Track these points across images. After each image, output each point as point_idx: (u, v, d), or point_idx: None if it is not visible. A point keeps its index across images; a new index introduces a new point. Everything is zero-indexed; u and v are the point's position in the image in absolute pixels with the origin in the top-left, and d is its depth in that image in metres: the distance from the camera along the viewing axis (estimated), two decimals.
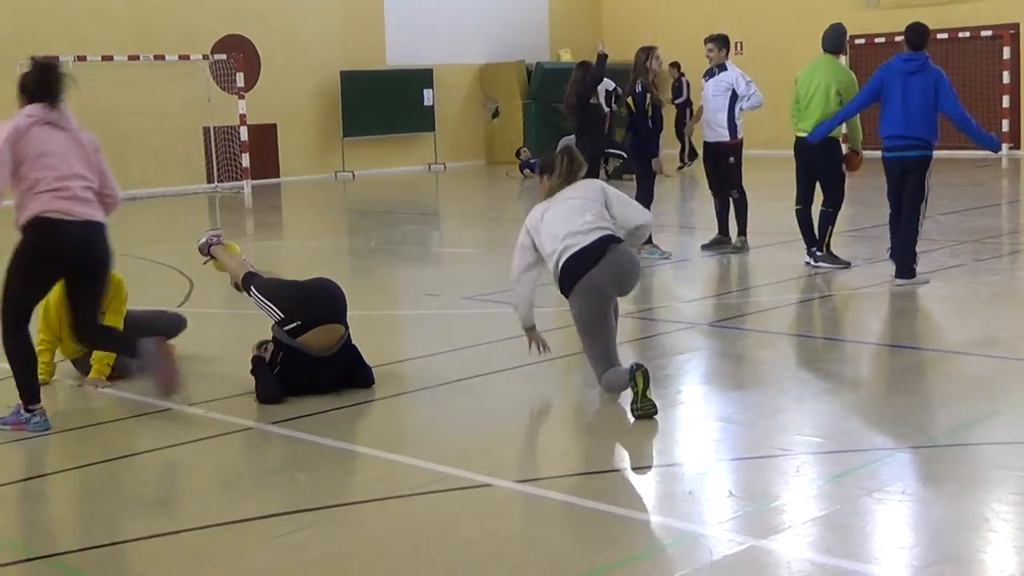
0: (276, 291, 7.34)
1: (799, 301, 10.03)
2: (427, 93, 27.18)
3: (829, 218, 11.05)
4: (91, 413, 7.13)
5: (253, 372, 7.09)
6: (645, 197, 12.04)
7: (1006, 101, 24.15)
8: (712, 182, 12.51)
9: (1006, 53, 24.20)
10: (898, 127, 9.89)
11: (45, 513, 5.36)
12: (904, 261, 10.03)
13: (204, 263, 8.33)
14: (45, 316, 7.51)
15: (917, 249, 10.09)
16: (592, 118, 12.91)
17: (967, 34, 24.09)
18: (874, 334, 8.67)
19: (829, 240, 11.08)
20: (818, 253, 11.05)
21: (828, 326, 9.22)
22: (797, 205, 11.17)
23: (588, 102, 12.55)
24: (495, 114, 28.57)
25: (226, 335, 9.37)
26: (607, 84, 26.01)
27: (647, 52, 12.42)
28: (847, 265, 11.00)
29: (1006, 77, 24.22)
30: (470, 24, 28.07)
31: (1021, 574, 4.22)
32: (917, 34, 10.03)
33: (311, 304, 7.17)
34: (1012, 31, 24.30)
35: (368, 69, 26.30)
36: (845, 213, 11.33)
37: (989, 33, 24.31)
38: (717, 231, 12.50)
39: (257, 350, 7.25)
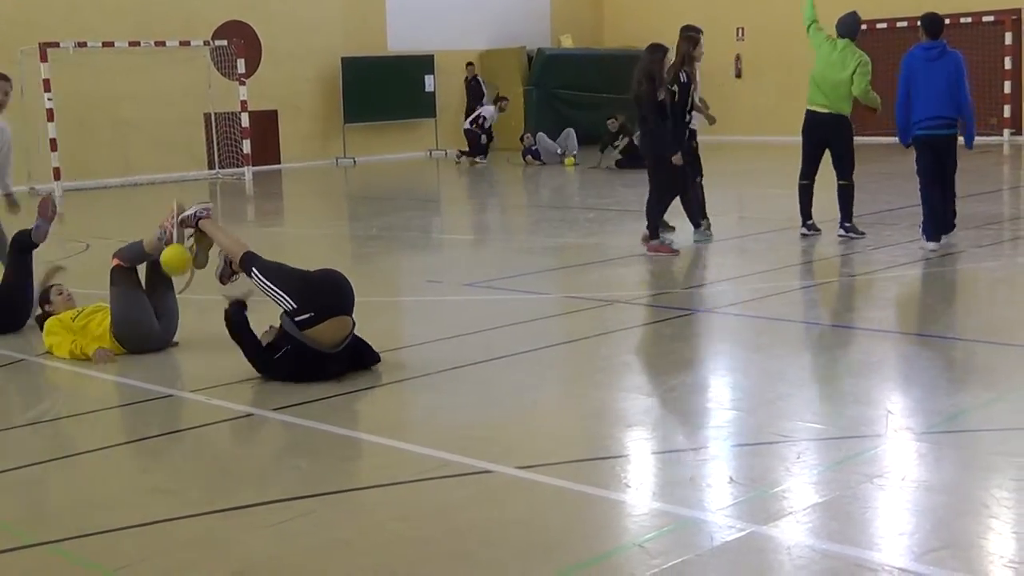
0: (284, 278, 7.10)
1: (798, 287, 10.03)
2: (428, 79, 27.17)
3: (851, 191, 11.78)
4: (90, 400, 7.14)
5: (234, 334, 7.07)
6: (661, 194, 11.69)
7: (1007, 87, 24.12)
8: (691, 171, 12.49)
9: (1008, 39, 24.16)
10: (926, 110, 10.91)
11: (44, 499, 5.37)
12: (947, 219, 11.26)
13: (188, 238, 7.93)
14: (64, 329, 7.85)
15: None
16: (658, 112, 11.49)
17: (968, 20, 24.03)
18: (874, 320, 8.66)
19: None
20: (847, 224, 11.78)
21: (828, 312, 9.22)
22: (803, 180, 11.85)
23: (656, 95, 11.29)
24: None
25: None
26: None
27: (695, 38, 11.95)
28: (863, 235, 11.77)
29: (1008, 63, 24.18)
30: (471, 10, 28.04)
31: (1021, 560, 4.22)
32: (934, 24, 11.08)
33: (323, 294, 7.01)
34: (1014, 17, 24.25)
35: (369, 55, 26.28)
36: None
37: (991, 19, 24.26)
38: (694, 219, 12.54)
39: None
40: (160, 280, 8.14)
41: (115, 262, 8.02)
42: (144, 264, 8.16)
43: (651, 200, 11.62)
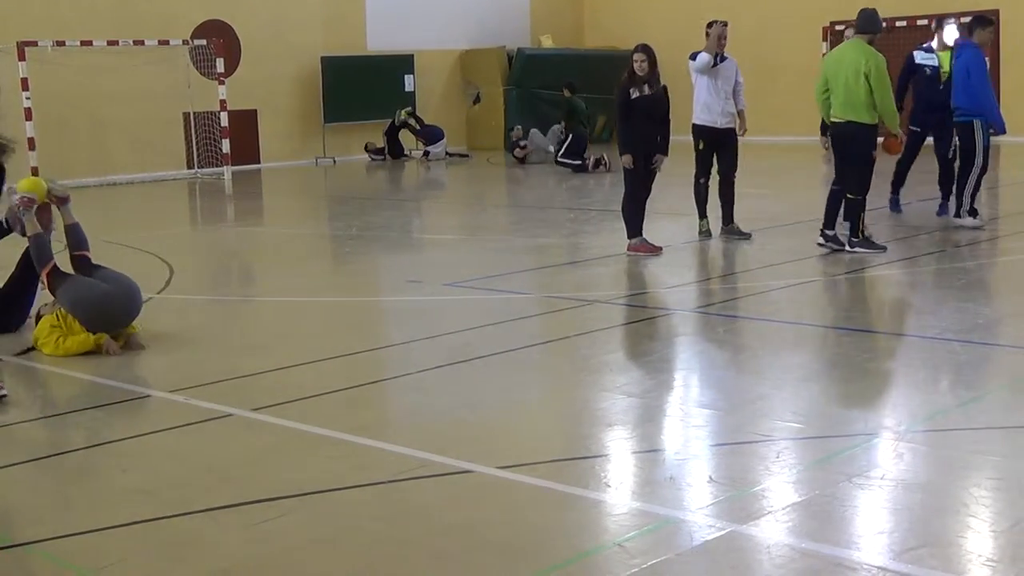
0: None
1: (781, 287, 10.05)
2: (408, 79, 27.11)
3: (858, 206, 11.09)
4: (71, 399, 7.12)
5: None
6: None
7: None
8: (709, 168, 12.39)
9: None
10: (951, 99, 12.36)
11: (25, 500, 5.34)
12: (958, 204, 12.39)
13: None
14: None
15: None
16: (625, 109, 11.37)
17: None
18: (854, 320, 8.69)
19: (863, 225, 11.11)
20: (853, 239, 11.08)
21: (809, 312, 9.23)
22: (834, 185, 11.32)
23: (628, 94, 11.28)
24: (476, 100, 28.53)
25: (207, 321, 9.35)
26: None
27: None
28: (884, 249, 11.05)
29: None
30: (451, 9, 28.00)
31: (999, 558, 4.25)
32: (967, 24, 12.83)
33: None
34: (992, 17, 24.34)
35: (349, 55, 26.23)
36: None
37: (969, 19, 24.32)
38: (728, 219, 12.35)
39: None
40: (84, 263, 8.43)
41: (45, 273, 8.23)
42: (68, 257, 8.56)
43: (624, 199, 11.64)
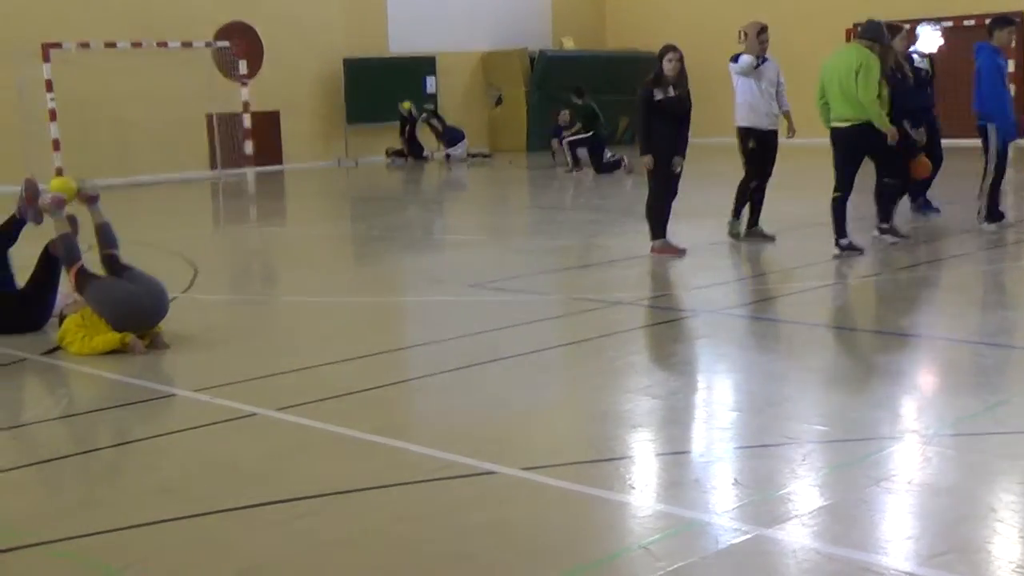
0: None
1: (805, 289, 10.01)
2: (430, 80, 27.17)
3: (898, 190, 11.35)
4: (96, 398, 7.14)
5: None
6: None
7: (1011, 90, 24.06)
8: (758, 172, 12.17)
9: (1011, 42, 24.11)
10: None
11: (50, 498, 5.36)
12: (988, 208, 12.23)
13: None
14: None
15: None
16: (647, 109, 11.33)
17: (972, 22, 24.04)
18: (880, 322, 8.65)
19: (894, 210, 11.42)
20: (883, 225, 11.39)
21: (835, 314, 9.21)
22: (835, 193, 11.04)
23: (652, 95, 11.25)
24: (498, 102, 28.55)
25: (231, 321, 9.37)
26: None
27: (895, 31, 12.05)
28: (907, 238, 11.44)
29: (1011, 66, 24.13)
30: (473, 11, 28.05)
31: None
32: (988, 24, 12.73)
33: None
34: (1018, 19, 24.22)
35: (371, 56, 26.28)
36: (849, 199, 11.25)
37: (989, 20, 24.21)
38: (753, 222, 12.33)
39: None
40: (113, 263, 8.45)
41: (73, 272, 8.27)
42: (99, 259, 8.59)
43: (647, 201, 11.61)
